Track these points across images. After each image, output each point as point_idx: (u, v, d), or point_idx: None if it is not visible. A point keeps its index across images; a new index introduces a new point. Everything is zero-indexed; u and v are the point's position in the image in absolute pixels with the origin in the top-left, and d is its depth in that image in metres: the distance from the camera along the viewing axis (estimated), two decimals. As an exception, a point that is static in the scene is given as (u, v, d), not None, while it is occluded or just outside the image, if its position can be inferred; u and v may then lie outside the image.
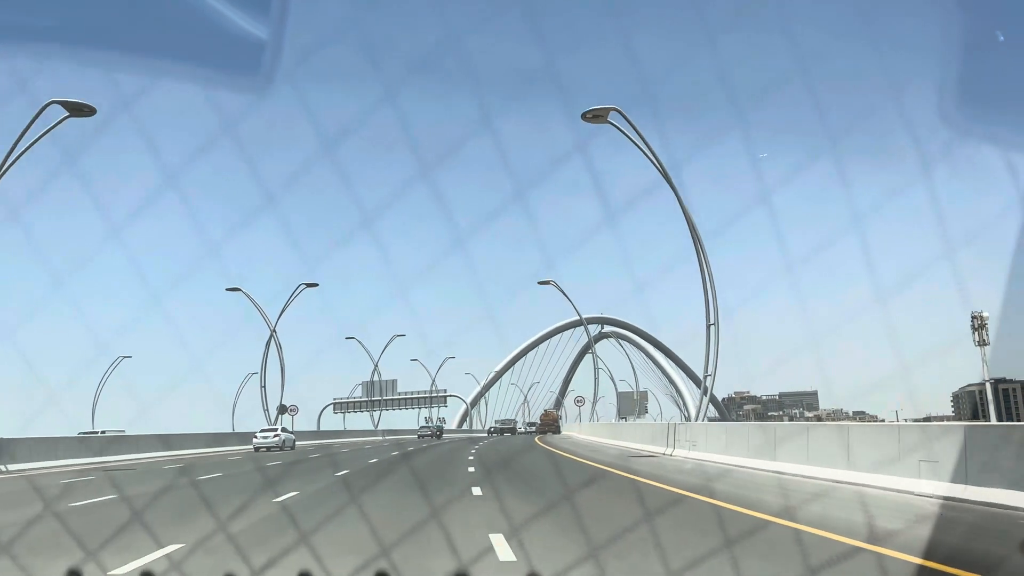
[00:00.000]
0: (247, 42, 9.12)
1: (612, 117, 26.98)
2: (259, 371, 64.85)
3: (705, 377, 31.75)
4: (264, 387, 66.10)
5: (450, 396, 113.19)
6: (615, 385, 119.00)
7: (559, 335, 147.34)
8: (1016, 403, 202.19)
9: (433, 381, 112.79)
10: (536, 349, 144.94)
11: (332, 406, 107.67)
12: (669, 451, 26.30)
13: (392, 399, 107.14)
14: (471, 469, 20.92)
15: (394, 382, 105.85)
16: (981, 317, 48.91)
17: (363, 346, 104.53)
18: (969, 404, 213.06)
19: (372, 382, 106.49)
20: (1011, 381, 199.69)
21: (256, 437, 47.03)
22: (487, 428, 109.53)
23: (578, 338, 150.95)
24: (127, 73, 8.46)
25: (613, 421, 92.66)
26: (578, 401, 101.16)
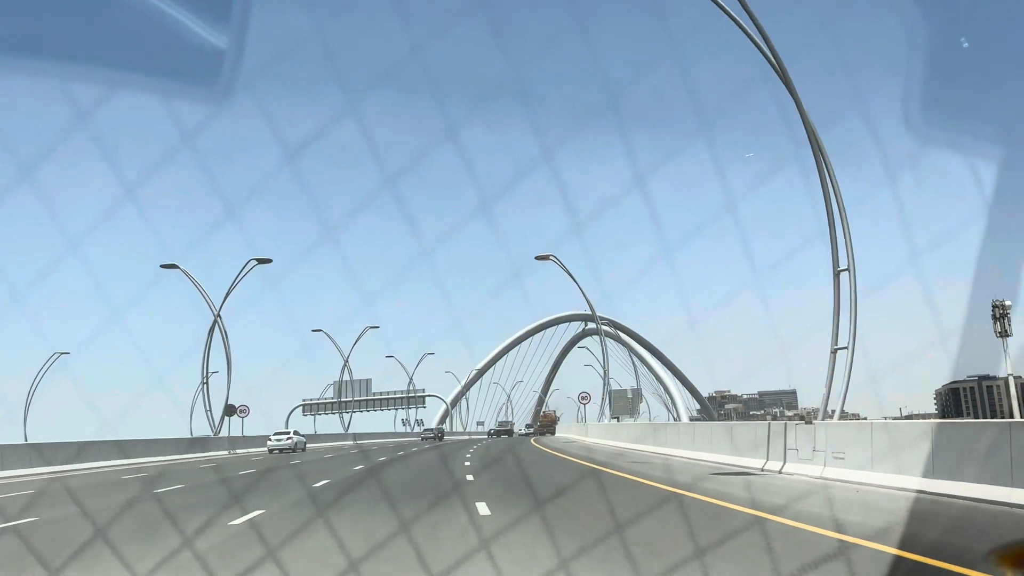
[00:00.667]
0: (206, 52, 9.11)
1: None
2: (202, 362, 57.54)
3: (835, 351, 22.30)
4: (206, 383, 57.68)
5: (429, 396, 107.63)
6: (607, 383, 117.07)
7: (542, 332, 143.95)
8: (1000, 399, 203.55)
9: (411, 379, 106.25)
10: (519, 347, 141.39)
11: (301, 408, 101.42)
12: (776, 465, 17.28)
13: (366, 400, 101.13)
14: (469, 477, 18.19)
15: (368, 381, 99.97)
16: (1003, 306, 46.67)
17: (331, 339, 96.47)
18: (953, 401, 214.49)
19: (344, 382, 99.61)
20: (995, 378, 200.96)
21: (270, 440, 50.83)
22: (487, 430, 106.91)
23: (561, 335, 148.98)
24: (84, 83, 8.44)
25: (607, 421, 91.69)
26: (583, 398, 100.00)
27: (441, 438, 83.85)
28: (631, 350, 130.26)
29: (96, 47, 8.93)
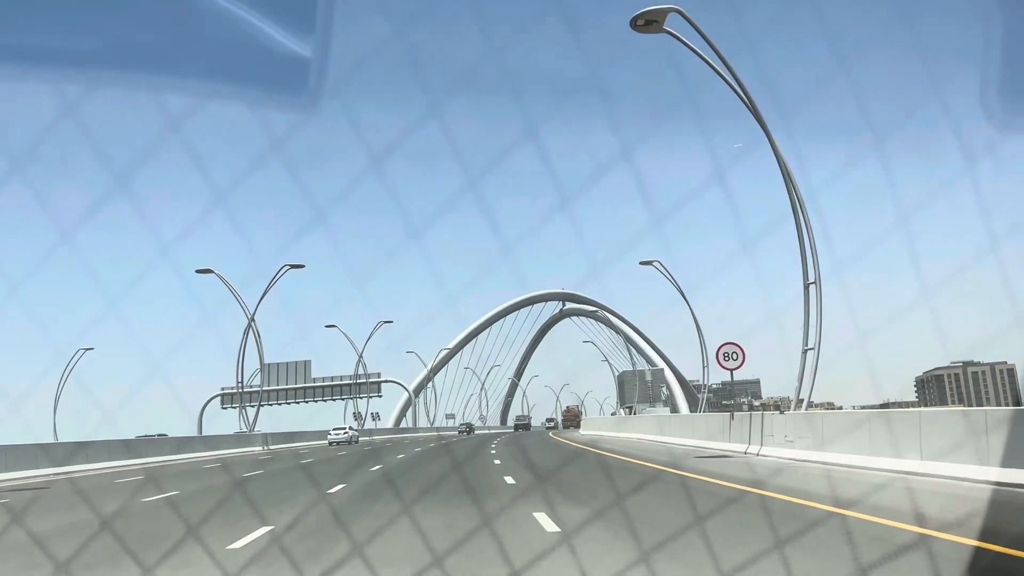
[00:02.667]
0: (292, 61, 9.73)
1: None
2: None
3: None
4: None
5: (386, 383, 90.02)
6: (613, 368, 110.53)
7: (515, 312, 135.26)
8: (985, 385, 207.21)
9: (360, 357, 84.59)
10: (490, 329, 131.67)
11: (220, 398, 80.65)
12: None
13: (304, 388, 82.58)
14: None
15: (305, 364, 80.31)
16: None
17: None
18: (936, 389, 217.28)
19: (270, 365, 76.71)
20: (980, 364, 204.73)
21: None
22: (459, 426, 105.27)
23: (537, 315, 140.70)
24: (175, 94, 8.94)
25: (621, 414, 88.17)
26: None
27: (471, 432, 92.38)
28: (619, 333, 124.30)
29: (186, 59, 9.43)
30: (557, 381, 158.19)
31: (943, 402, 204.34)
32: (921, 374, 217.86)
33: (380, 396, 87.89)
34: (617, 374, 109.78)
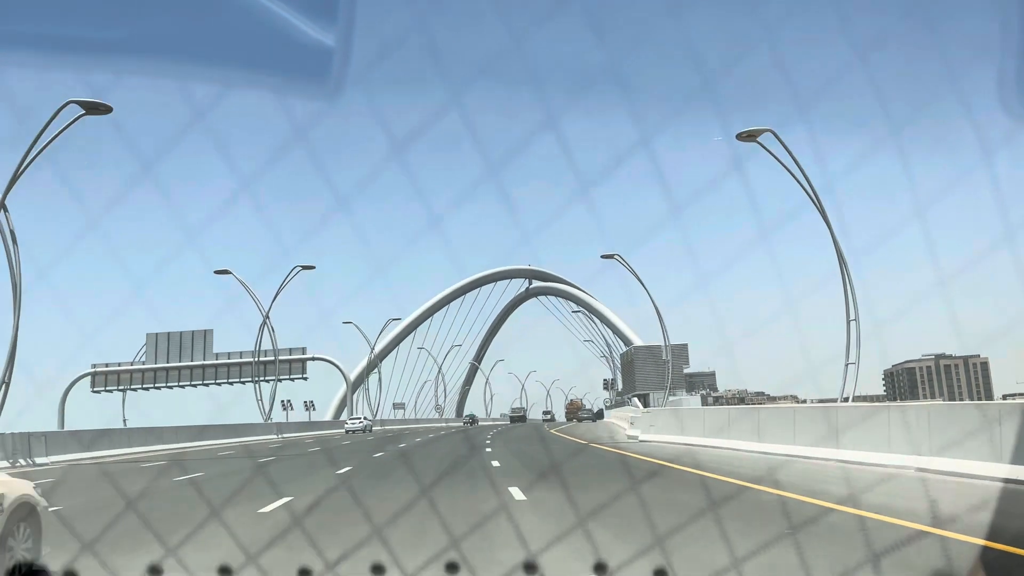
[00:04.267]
0: (316, 50, 10.21)
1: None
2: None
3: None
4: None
5: (316, 360, 75.47)
6: (610, 352, 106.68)
7: (477, 290, 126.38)
8: (958, 379, 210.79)
9: (265, 319, 65.57)
10: (447, 308, 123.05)
11: (90, 377, 68.78)
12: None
13: (202, 366, 68.77)
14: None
15: (205, 335, 68.04)
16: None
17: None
18: (908, 382, 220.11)
19: (159, 335, 66.20)
20: (951, 356, 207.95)
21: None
22: (509, 417, 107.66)
23: (501, 293, 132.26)
24: (201, 82, 9.36)
25: (639, 406, 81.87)
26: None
27: (475, 423, 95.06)
28: (595, 314, 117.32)
29: (211, 47, 9.83)
30: (522, 367, 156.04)
31: (914, 396, 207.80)
32: (890, 367, 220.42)
33: (305, 378, 72.68)
34: (625, 350, 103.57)
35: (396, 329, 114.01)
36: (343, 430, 65.71)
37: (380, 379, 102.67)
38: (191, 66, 10.91)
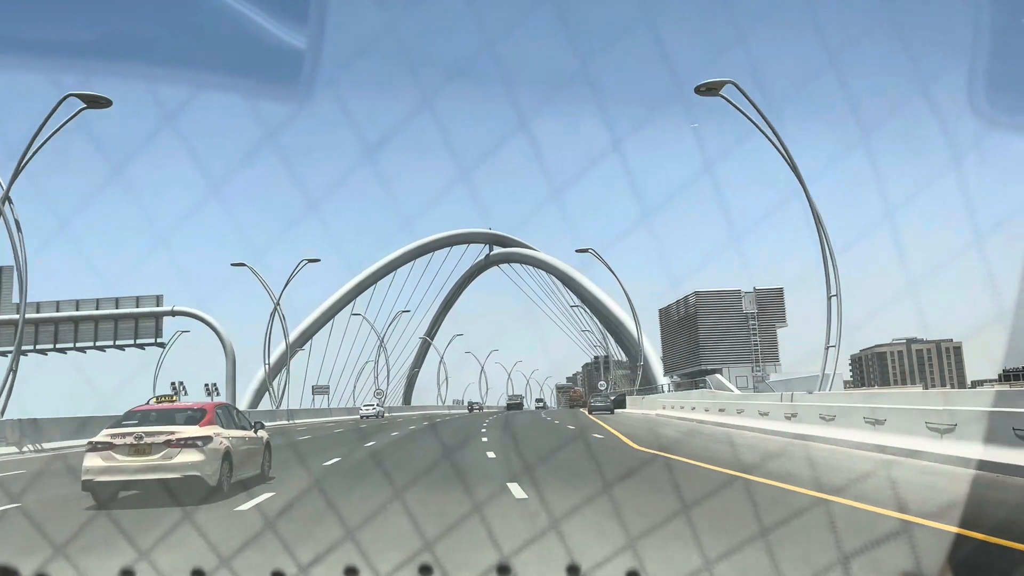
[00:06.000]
0: (286, 52, 10.75)
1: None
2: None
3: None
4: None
5: (184, 314, 65.74)
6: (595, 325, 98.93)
7: (429, 255, 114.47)
8: (930, 364, 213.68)
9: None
10: (394, 275, 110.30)
11: None
12: None
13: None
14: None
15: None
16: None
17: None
18: (879, 367, 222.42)
19: None
20: (923, 341, 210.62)
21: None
22: (507, 404, 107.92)
23: (458, 259, 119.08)
24: (170, 86, 9.86)
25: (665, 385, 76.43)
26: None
27: (477, 410, 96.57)
28: (566, 285, 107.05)
29: (180, 50, 10.30)
30: (479, 346, 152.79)
31: (885, 381, 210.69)
32: (857, 352, 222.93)
33: (158, 343, 63.05)
34: (675, 301, 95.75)
35: (332, 298, 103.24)
36: (358, 416, 73.38)
37: (310, 355, 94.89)
38: (161, 68, 11.32)
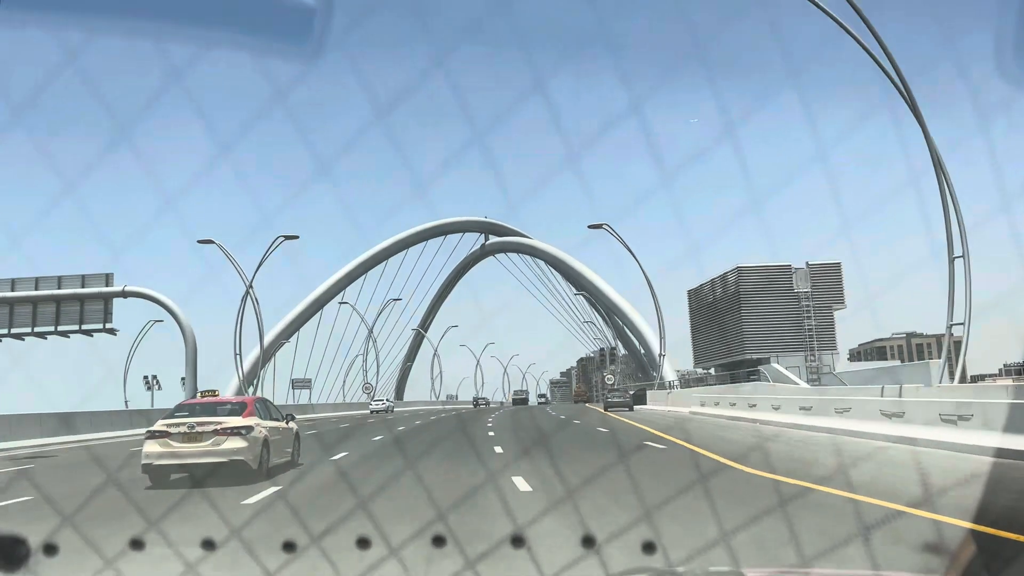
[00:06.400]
0: (296, 9, 10.54)
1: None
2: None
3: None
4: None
5: (137, 295, 59.76)
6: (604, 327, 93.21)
7: (423, 244, 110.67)
8: (931, 357, 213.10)
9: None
10: (385, 264, 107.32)
11: None
12: None
13: None
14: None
15: None
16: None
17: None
18: (878, 360, 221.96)
19: None
20: (923, 335, 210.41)
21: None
22: (512, 399, 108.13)
23: (452, 249, 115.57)
24: (178, 44, 9.63)
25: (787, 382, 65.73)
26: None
27: (484, 404, 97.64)
28: (578, 278, 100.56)
29: (188, 5, 10.11)
30: (473, 340, 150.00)
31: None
32: (856, 346, 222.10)
33: (108, 328, 57.18)
34: (712, 280, 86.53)
35: (320, 288, 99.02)
36: (368, 411, 77.88)
37: (297, 350, 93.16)
38: (168, 25, 11.10)
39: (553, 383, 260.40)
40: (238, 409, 16.34)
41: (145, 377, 73.07)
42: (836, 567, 7.23)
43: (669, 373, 79.68)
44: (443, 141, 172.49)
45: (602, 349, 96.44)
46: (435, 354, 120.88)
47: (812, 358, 67.74)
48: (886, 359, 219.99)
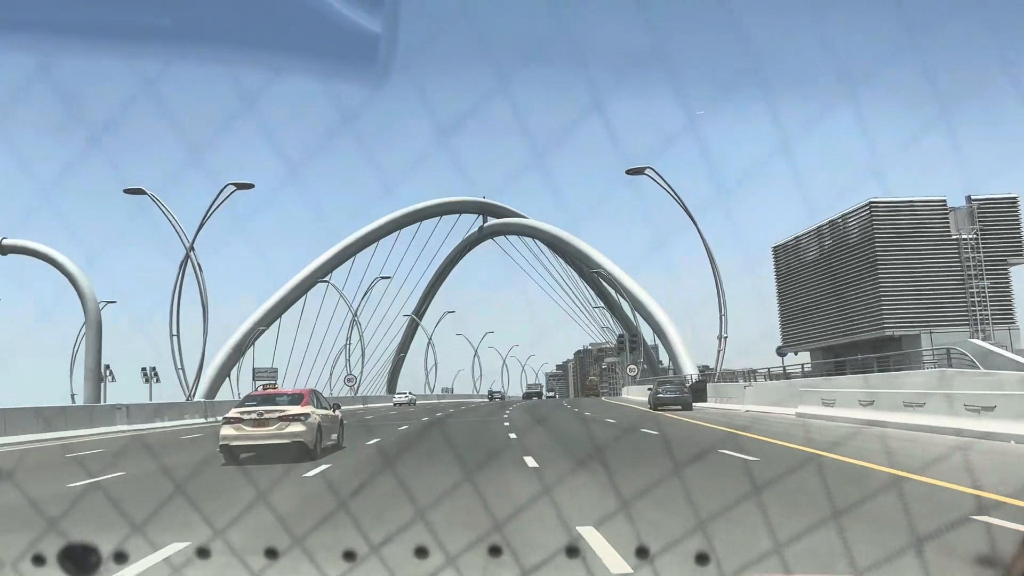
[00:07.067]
0: (362, 36, 10.95)
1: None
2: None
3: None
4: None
5: (18, 251, 56.53)
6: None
7: (417, 224, 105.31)
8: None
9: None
10: (376, 245, 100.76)
11: None
12: None
13: None
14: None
15: None
16: None
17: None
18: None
19: None
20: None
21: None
22: (524, 393, 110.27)
23: (448, 230, 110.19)
24: (248, 68, 10.03)
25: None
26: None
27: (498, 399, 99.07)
28: (587, 259, 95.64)
29: (258, 34, 10.52)
30: (470, 328, 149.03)
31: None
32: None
33: None
34: (832, 219, 62.18)
35: (304, 271, 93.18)
36: (392, 403, 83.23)
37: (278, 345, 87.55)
38: (239, 52, 11.47)
39: (550, 376, 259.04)
40: (297, 399, 19.63)
41: (106, 366, 64.22)
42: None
43: (687, 365, 76.75)
44: (506, 160, 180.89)
45: (621, 335, 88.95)
46: (429, 342, 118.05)
47: (981, 333, 51.35)
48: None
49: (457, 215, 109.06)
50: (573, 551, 4.16)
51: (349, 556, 3.36)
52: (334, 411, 21.73)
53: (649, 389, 45.84)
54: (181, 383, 54.72)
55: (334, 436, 21.40)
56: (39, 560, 3.18)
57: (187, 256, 53.28)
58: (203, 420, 46.24)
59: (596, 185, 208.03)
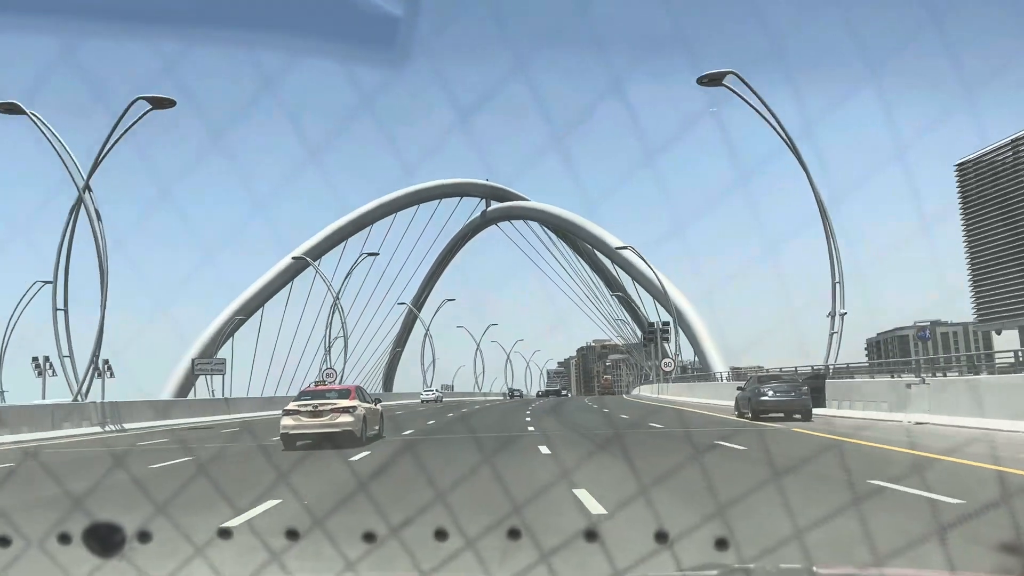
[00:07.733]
0: (383, 19, 11.06)
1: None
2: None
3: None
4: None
5: None
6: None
7: (415, 208, 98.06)
8: (956, 347, 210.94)
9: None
10: (369, 229, 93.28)
11: None
12: None
13: None
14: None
15: None
16: None
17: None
18: (900, 351, 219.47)
19: None
20: (949, 324, 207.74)
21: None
22: (545, 391, 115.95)
23: (448, 213, 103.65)
24: (268, 50, 10.19)
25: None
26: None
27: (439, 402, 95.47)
28: (599, 243, 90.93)
29: (279, 17, 10.69)
30: (472, 321, 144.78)
31: (908, 368, 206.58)
32: (874, 335, 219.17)
33: None
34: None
35: (287, 258, 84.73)
36: (419, 399, 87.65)
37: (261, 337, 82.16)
38: (259, 34, 11.67)
39: (552, 373, 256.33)
40: (345, 394, 23.08)
41: (35, 358, 57.74)
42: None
43: (717, 363, 71.51)
44: (523, 142, 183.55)
45: (652, 323, 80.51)
46: (427, 333, 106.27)
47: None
48: (908, 349, 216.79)
49: (459, 198, 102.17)
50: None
51: (368, 538, 3.35)
52: (375, 405, 25.11)
53: (739, 389, 33.84)
54: (67, 378, 39.81)
55: (376, 427, 24.59)
56: (65, 539, 3.21)
57: (79, 200, 39.31)
58: (99, 428, 34.17)
59: (614, 170, 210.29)
